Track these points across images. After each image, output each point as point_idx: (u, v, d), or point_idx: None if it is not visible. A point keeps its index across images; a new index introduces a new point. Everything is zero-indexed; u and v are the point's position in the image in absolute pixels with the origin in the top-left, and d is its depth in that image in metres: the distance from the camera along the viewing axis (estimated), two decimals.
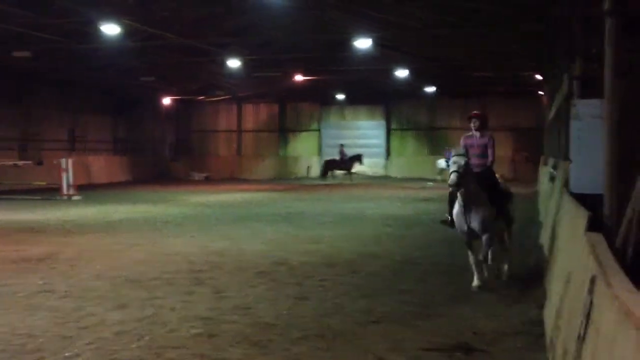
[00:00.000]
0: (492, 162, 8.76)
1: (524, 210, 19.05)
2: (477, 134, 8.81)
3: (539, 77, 30.49)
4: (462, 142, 8.83)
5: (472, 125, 8.83)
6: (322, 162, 38.03)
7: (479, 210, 8.32)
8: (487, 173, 8.73)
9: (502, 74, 31.79)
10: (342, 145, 37.30)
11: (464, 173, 8.05)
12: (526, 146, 37.97)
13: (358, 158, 36.37)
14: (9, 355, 5.87)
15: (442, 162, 36.99)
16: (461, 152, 8.32)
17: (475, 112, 9.23)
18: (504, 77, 32.75)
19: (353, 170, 36.60)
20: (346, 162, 36.45)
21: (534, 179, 29.60)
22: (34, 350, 6.01)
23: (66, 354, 5.89)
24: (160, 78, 34.02)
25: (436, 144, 41.59)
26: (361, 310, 7.53)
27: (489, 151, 8.73)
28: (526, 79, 32.88)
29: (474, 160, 8.62)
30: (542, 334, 6.32)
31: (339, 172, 36.75)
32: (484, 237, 8.46)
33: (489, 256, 8.58)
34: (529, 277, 9.18)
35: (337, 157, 36.86)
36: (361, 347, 6.13)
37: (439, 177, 36.57)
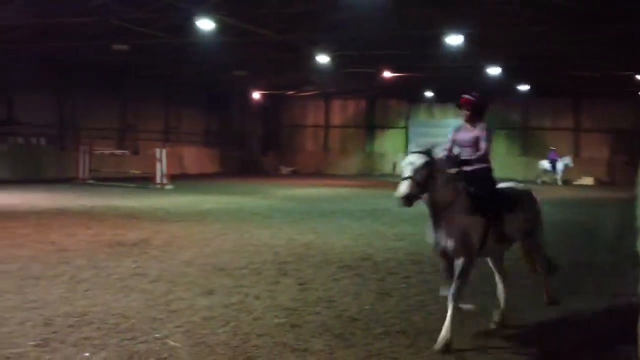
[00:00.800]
0: (483, 156, 6.74)
1: (621, 216, 18.34)
2: (468, 125, 6.96)
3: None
4: (450, 136, 7.06)
5: (461, 114, 7.05)
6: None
7: (454, 225, 6.24)
8: (479, 172, 6.71)
9: (599, 73, 30.53)
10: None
11: (425, 179, 6.02)
12: (626, 149, 36.38)
13: None
14: (104, 333, 6.17)
15: (545, 164, 35.91)
16: (421, 150, 6.15)
17: (464, 96, 7.05)
18: (601, 77, 31.45)
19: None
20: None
21: (633, 183, 28.34)
22: (126, 330, 6.29)
23: (156, 335, 6.13)
24: (251, 73, 34.67)
25: (528, 145, 40.52)
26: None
27: (481, 145, 6.76)
28: (625, 80, 31.46)
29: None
30: (634, 346, 6.06)
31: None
32: (459, 262, 6.26)
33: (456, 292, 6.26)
34: (622, 286, 8.83)
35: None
36: None
37: (542, 179, 35.43)
